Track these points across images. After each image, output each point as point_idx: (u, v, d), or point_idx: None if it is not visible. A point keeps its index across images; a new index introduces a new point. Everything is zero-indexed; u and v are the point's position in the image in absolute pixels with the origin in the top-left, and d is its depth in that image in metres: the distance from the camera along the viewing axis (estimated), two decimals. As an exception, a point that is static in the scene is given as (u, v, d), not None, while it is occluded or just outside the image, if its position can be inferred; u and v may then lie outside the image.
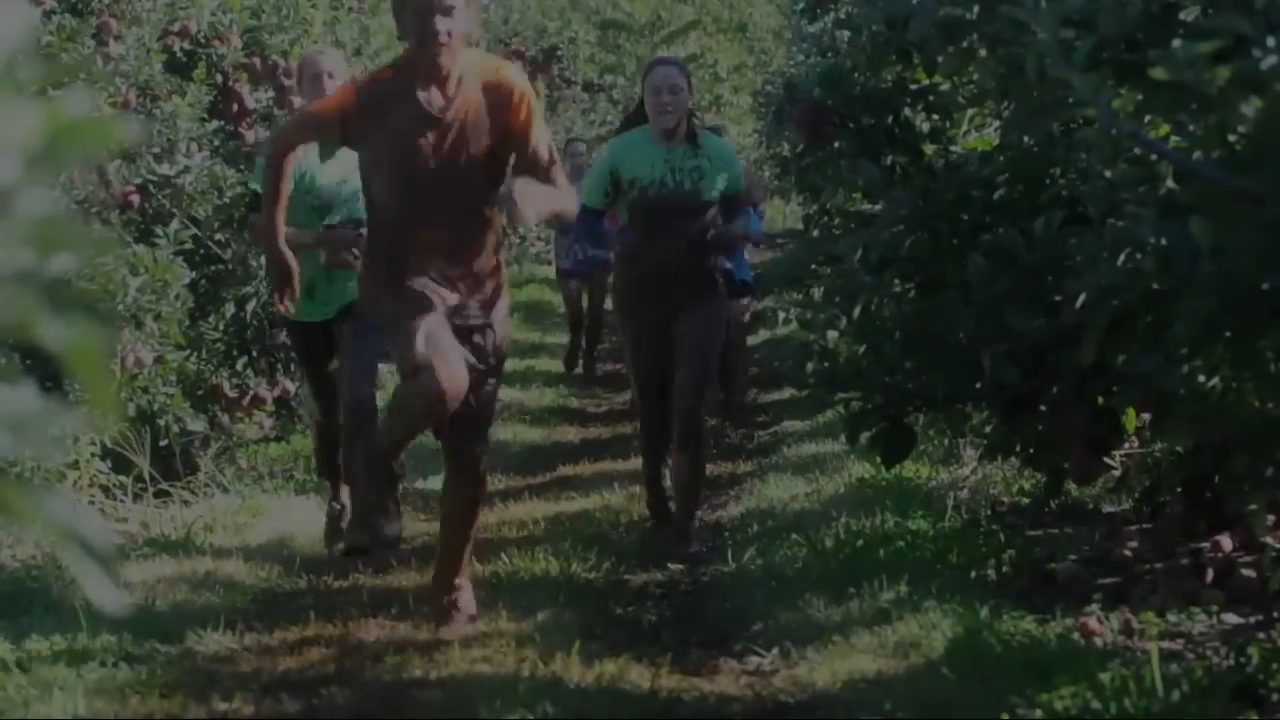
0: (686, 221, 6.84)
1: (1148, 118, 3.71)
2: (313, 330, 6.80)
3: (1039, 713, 3.87)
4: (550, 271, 17.34)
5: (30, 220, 1.20)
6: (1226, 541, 5.39)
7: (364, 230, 6.16)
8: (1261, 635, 4.55)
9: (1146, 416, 4.95)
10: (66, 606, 5.52)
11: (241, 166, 8.89)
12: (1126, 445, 5.87)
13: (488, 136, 5.24)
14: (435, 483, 8.71)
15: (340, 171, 6.62)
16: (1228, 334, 3.57)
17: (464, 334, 5.25)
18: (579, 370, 13.57)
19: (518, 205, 4.99)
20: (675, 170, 6.85)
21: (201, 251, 8.73)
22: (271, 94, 9.50)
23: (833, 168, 5.21)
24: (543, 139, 5.33)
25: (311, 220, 6.67)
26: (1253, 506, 4.31)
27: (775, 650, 5.03)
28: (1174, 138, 4.01)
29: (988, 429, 5.35)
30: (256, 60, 9.48)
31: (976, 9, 3.86)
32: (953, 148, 5.38)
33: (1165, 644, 4.52)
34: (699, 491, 7.15)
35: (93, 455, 7.05)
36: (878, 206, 5.25)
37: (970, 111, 5.41)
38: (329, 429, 6.85)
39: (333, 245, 6.67)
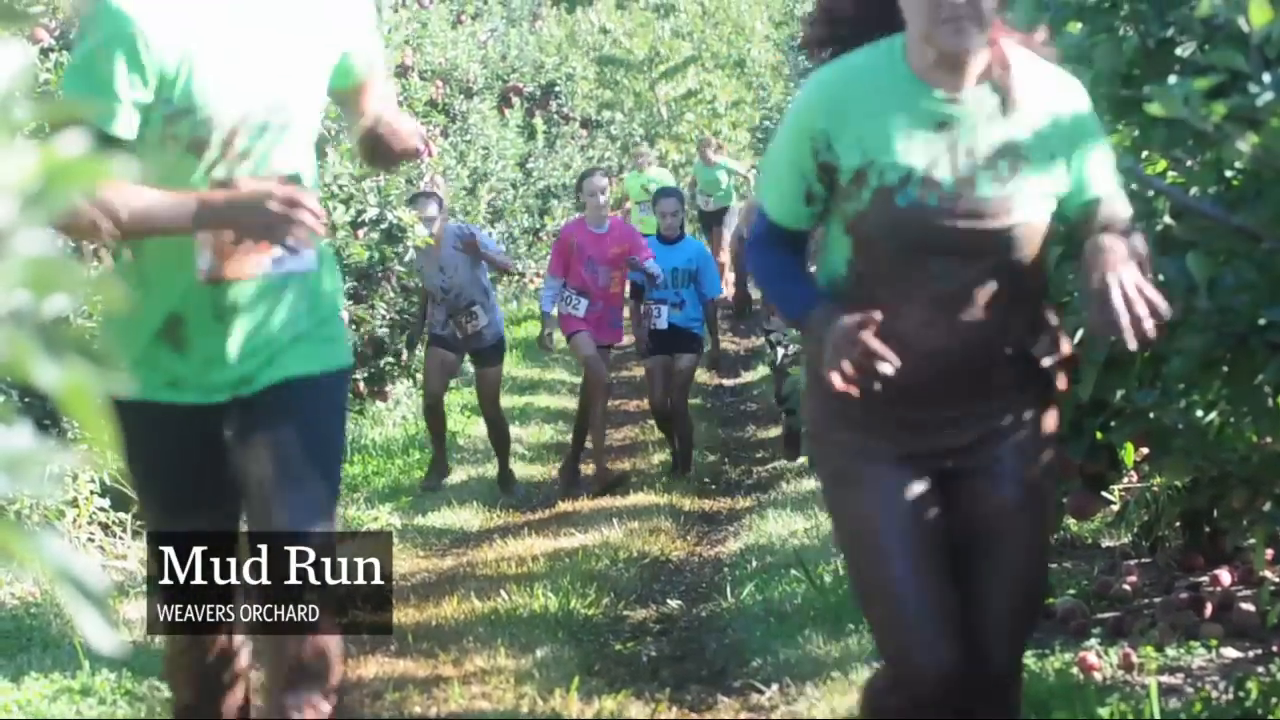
0: (982, 265, 3.10)
1: (1144, 153, 3.72)
2: (167, 420, 3.32)
3: (1039, 749, 3.86)
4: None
5: (26, 260, 1.20)
6: (1225, 576, 5.39)
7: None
8: (1260, 669, 4.54)
9: (1144, 451, 4.95)
10: (65, 644, 5.51)
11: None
12: (1125, 480, 5.86)
13: None
14: (434, 519, 8.72)
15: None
16: (1225, 369, 3.57)
17: None
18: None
19: None
20: (965, 151, 3.07)
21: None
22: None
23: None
24: None
25: (183, 168, 3.26)
26: (1251, 541, 4.30)
27: (774, 686, 5.02)
28: (1170, 173, 4.02)
29: (986, 464, 5.34)
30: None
31: (972, 45, 3.86)
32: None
33: (1164, 678, 4.52)
34: None
35: (91, 493, 7.04)
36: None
37: (967, 147, 5.42)
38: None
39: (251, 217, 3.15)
